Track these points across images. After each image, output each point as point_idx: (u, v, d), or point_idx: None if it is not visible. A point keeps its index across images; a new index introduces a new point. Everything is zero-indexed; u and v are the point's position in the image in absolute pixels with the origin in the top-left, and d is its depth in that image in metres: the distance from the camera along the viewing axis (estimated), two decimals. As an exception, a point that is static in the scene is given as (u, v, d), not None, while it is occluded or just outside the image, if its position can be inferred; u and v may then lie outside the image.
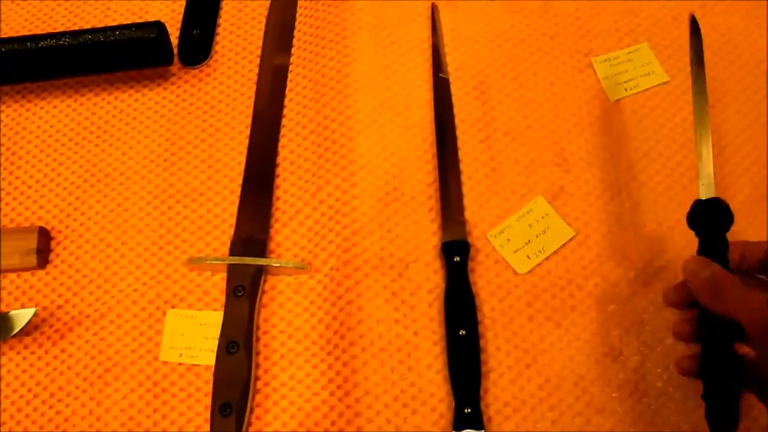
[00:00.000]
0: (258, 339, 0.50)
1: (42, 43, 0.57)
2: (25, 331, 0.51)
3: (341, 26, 0.61)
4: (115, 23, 0.64)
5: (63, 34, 0.57)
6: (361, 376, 0.48)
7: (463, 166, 0.55)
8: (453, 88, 0.58)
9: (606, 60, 0.60)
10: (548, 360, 0.49)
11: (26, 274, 0.54)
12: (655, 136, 0.56)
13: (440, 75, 0.58)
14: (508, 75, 0.59)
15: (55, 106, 0.61)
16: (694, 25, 0.46)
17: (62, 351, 0.51)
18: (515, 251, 0.52)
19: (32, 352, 0.51)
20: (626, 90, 0.58)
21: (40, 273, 0.54)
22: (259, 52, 0.62)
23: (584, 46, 0.61)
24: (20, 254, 0.53)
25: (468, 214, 0.53)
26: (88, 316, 0.52)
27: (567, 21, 0.62)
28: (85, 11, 0.65)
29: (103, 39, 0.57)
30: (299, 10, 0.63)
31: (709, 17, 0.61)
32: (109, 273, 0.53)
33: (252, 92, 0.60)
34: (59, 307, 0.53)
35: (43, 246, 0.54)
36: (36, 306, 0.52)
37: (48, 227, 0.55)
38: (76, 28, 0.64)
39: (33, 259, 0.53)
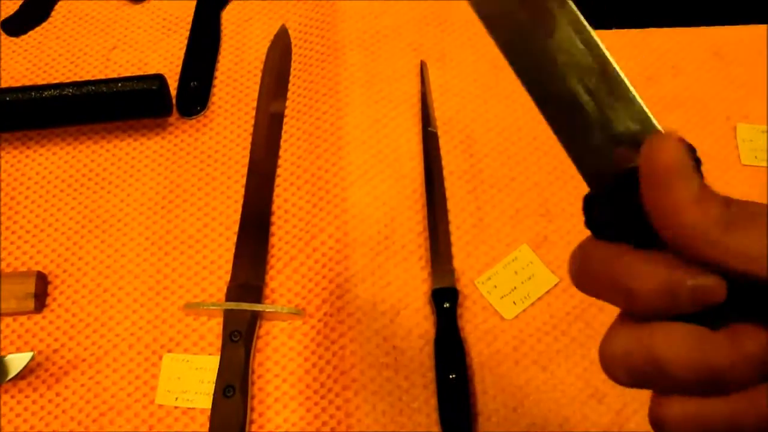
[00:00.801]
0: (253, 383, 0.51)
1: (46, 93, 0.59)
2: (21, 374, 0.51)
3: (334, 81, 0.64)
4: (114, 74, 0.66)
5: (67, 84, 0.59)
6: (354, 419, 0.50)
7: (451, 216, 0.57)
8: (441, 141, 0.61)
9: (585, 116, 0.63)
10: (534, 403, 0.51)
11: (23, 318, 0.55)
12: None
13: (429, 129, 0.61)
14: (494, 129, 0.62)
15: (54, 153, 0.62)
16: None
17: (57, 395, 0.52)
18: (502, 297, 0.54)
19: (27, 396, 0.52)
20: (604, 144, 0.62)
21: (37, 317, 0.55)
22: (254, 103, 0.64)
23: (564, 102, 0.64)
24: (17, 298, 0.54)
25: (456, 262, 0.55)
26: (84, 360, 0.53)
27: (548, 78, 0.65)
28: (85, 62, 0.68)
29: (106, 90, 0.59)
30: (294, 65, 0.66)
31: (681, 78, 0.65)
32: (105, 317, 0.55)
33: (248, 142, 0.62)
34: (55, 351, 0.53)
35: (41, 290, 0.55)
36: (32, 350, 0.53)
37: (45, 272, 0.56)
38: (77, 77, 0.66)
39: (30, 303, 0.54)
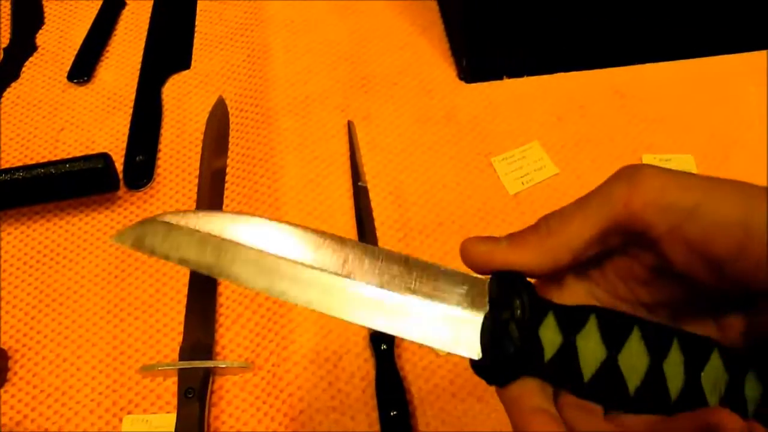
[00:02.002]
0: (209, 436, 0.55)
1: (-3, 178, 0.62)
2: (-14, 449, 0.54)
3: (270, 145, 0.69)
4: (64, 153, 0.71)
5: (18, 169, 0.63)
6: (305, 462, 0.53)
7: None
8: (371, 194, 0.66)
9: (504, 158, 0.69)
10: None
11: (-14, 394, 0.58)
12: (551, 222, 0.65)
13: (359, 183, 0.66)
14: (420, 179, 0.67)
15: (9, 234, 0.66)
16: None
17: (23, 465, 0.54)
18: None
19: (-6, 469, 0.54)
20: (523, 183, 0.67)
21: (-1, 392, 0.58)
22: (197, 172, 0.69)
23: (484, 148, 0.69)
24: (-20, 376, 0.57)
25: (391, 306, 0.60)
26: (47, 430, 0.56)
27: (468, 127, 0.71)
28: (36, 144, 0.72)
29: (54, 171, 0.63)
30: (232, 132, 0.71)
31: (588, 117, 0.71)
32: (66, 386, 0.57)
33: (193, 209, 0.66)
34: (18, 423, 0.56)
35: (2, 366, 0.58)
36: (-4, 425, 0.56)
37: (6, 347, 0.59)
38: (28, 159, 0.70)
39: (-8, 380, 0.57)
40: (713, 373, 0.29)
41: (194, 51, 0.79)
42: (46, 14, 0.84)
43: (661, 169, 0.28)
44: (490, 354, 0.29)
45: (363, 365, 0.57)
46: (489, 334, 0.29)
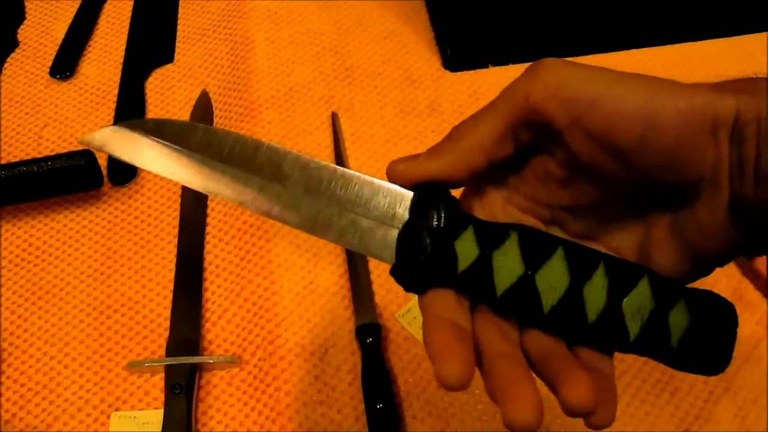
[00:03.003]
0: (198, 431, 0.55)
1: (-21, 177, 0.62)
2: (-25, 448, 0.54)
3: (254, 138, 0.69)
4: (47, 150, 0.70)
5: (1, 167, 0.63)
6: (293, 456, 0.54)
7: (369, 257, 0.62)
8: (357, 186, 0.66)
9: (489, 148, 0.69)
10: (460, 422, 0.55)
11: (-27, 394, 0.58)
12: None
13: (344, 176, 0.66)
14: (405, 170, 0.67)
15: (-6, 232, 0.66)
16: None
17: (12, 464, 0.55)
18: (422, 327, 0.59)
19: (-17, 468, 0.55)
20: (509, 173, 0.67)
21: (-13, 391, 0.58)
22: (182, 166, 0.68)
23: (470, 137, 0.69)
24: (-33, 375, 0.57)
25: (377, 299, 0.60)
26: (35, 428, 0.56)
27: (453, 116, 0.71)
28: (19, 141, 0.71)
29: (37, 169, 0.62)
30: (216, 126, 0.71)
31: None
32: (53, 384, 0.57)
33: (177, 204, 0.66)
34: (6, 422, 0.56)
35: (-11, 365, 0.58)
36: (-16, 424, 0.56)
37: (-7, 347, 0.59)
38: (12, 157, 0.70)
39: (-20, 379, 0.57)
40: (638, 300, 0.29)
41: (177, 44, 0.79)
42: (27, 9, 0.83)
43: (564, 61, 0.28)
44: (402, 261, 0.31)
45: (349, 358, 0.57)
46: (402, 242, 0.31)
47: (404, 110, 0.71)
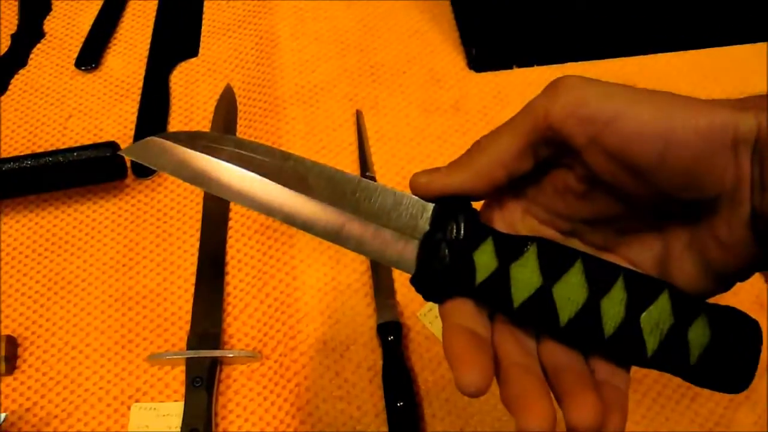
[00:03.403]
0: (217, 425, 0.55)
1: (6, 166, 0.62)
2: (-5, 435, 0.55)
3: (277, 134, 0.69)
4: (72, 141, 0.71)
5: (26, 157, 0.63)
6: (312, 452, 0.54)
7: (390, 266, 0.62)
8: (380, 184, 0.66)
9: (513, 149, 0.68)
10: (479, 422, 0.55)
11: (-5, 381, 0.58)
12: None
13: (367, 174, 0.66)
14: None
15: (18, 221, 0.66)
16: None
17: (32, 452, 0.55)
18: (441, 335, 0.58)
19: (3, 455, 0.55)
20: (532, 175, 0.67)
21: (8, 379, 0.58)
22: (205, 160, 0.69)
23: (493, 138, 0.69)
24: (-12, 363, 0.57)
25: (398, 297, 0.60)
26: (56, 417, 0.56)
27: (476, 117, 0.70)
28: (44, 131, 0.72)
29: (62, 160, 0.63)
30: (239, 121, 0.71)
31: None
32: (74, 374, 0.58)
33: (200, 197, 0.66)
34: (28, 410, 0.57)
35: (11, 353, 0.58)
36: (4, 411, 0.56)
37: (15, 335, 0.59)
38: (36, 147, 0.70)
39: (1, 366, 0.57)
40: (657, 315, 0.29)
41: (202, 38, 0.79)
42: (53, 1, 0.83)
43: (584, 79, 0.29)
44: (422, 270, 0.31)
45: (370, 355, 0.57)
46: (422, 253, 0.31)
47: (428, 109, 0.71)
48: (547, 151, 0.30)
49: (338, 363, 0.57)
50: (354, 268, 0.61)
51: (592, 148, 0.28)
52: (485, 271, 0.30)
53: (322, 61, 0.74)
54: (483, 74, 0.74)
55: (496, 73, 0.74)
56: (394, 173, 0.67)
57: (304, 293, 0.60)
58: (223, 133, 0.68)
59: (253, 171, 0.33)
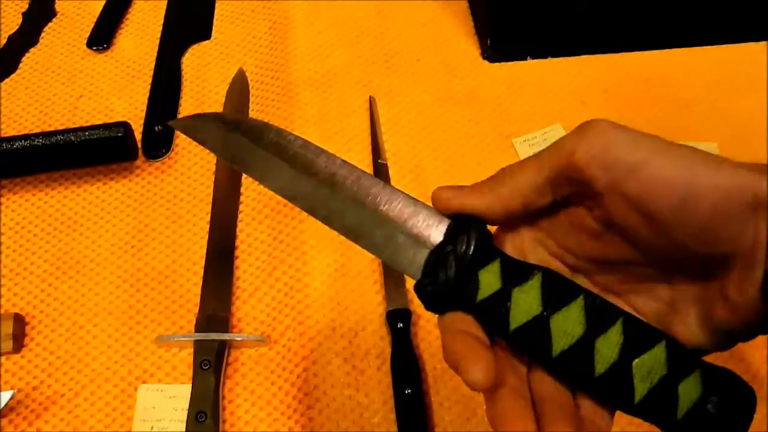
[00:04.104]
0: (224, 408, 0.55)
1: (17, 144, 0.62)
2: (2, 413, 0.54)
3: (290, 119, 0.69)
4: (82, 121, 0.70)
5: (37, 135, 0.63)
6: (319, 437, 0.54)
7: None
8: (391, 171, 0.65)
9: (525, 140, 0.68)
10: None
11: (2, 359, 0.57)
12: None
13: (379, 161, 0.65)
14: (440, 158, 0.67)
15: (27, 200, 0.66)
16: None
17: (38, 430, 0.54)
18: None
19: (9, 433, 0.55)
20: (544, 166, 0.66)
21: (16, 357, 0.58)
22: (216, 143, 0.68)
23: (506, 128, 0.69)
24: (-4, 340, 0.57)
25: (408, 284, 0.59)
26: (62, 395, 0.56)
27: (490, 107, 0.70)
28: (54, 111, 0.71)
29: (74, 139, 0.63)
30: (251, 106, 0.71)
31: (612, 101, 0.71)
32: (82, 353, 0.58)
33: (211, 181, 0.66)
34: (35, 388, 0.56)
35: (19, 331, 0.58)
36: (12, 388, 0.56)
37: (23, 313, 0.59)
38: (46, 126, 0.70)
39: (9, 344, 0.57)
40: (650, 363, 0.29)
41: (215, 21, 0.78)
42: (65, -20, 0.83)
43: (613, 124, 0.29)
44: (426, 279, 0.32)
45: (379, 342, 0.57)
46: (430, 262, 0.32)
47: (441, 98, 0.70)
48: (567, 189, 0.31)
49: (347, 349, 0.57)
50: (364, 255, 0.60)
51: (612, 192, 0.29)
52: (488, 290, 0.31)
53: (336, 47, 0.74)
54: (497, 65, 0.73)
55: (511, 63, 0.73)
56: (406, 161, 0.66)
57: (313, 278, 0.60)
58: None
59: (287, 162, 0.35)
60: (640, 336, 0.30)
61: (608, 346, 0.29)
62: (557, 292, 0.31)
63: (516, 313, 0.30)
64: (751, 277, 0.27)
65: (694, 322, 0.30)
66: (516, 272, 0.31)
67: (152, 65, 0.74)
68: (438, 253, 0.32)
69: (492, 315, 0.31)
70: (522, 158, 0.64)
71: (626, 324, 0.30)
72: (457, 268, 0.31)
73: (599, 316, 0.30)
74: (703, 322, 0.30)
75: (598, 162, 0.29)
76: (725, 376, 0.30)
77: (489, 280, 0.31)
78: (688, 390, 0.29)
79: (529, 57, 0.74)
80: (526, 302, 0.30)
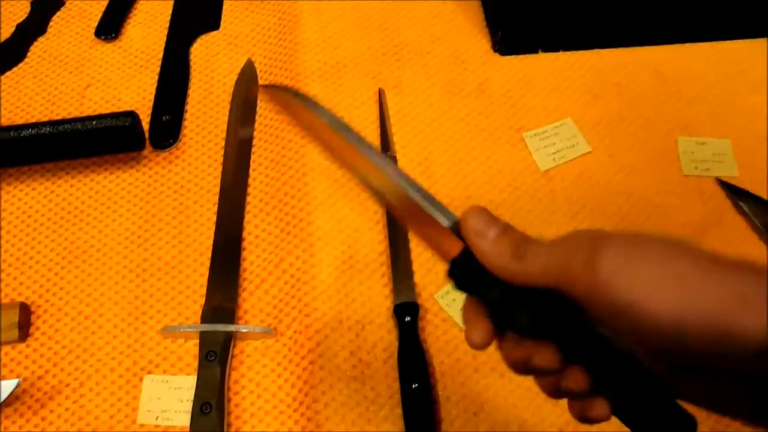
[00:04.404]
0: (229, 399, 0.54)
1: (24, 132, 0.62)
2: (7, 402, 0.54)
3: (298, 111, 0.68)
4: (89, 110, 0.70)
5: (44, 123, 0.62)
6: (325, 430, 0.53)
7: (410, 235, 0.61)
8: (400, 164, 0.65)
9: (536, 134, 0.67)
10: (493, 407, 0.54)
11: (7, 348, 0.57)
12: (581, 200, 0.63)
13: (388, 153, 0.65)
14: (449, 151, 0.66)
15: (34, 189, 0.65)
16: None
17: (43, 419, 0.54)
18: (460, 310, 0.58)
19: (14, 422, 0.54)
20: (554, 160, 0.66)
21: (21, 346, 0.57)
22: (224, 134, 0.68)
23: (516, 122, 0.68)
24: (2, 329, 0.57)
25: (416, 278, 0.59)
26: (68, 385, 0.56)
27: (500, 100, 0.69)
28: (62, 100, 0.71)
29: (81, 128, 0.62)
30: (260, 96, 0.70)
31: (624, 95, 0.70)
32: (87, 344, 0.57)
33: (218, 171, 0.66)
34: (40, 377, 0.56)
35: (24, 320, 0.58)
36: (17, 377, 0.56)
37: (29, 302, 0.59)
38: (54, 115, 0.70)
39: (15, 333, 0.57)
40: None
41: (224, 12, 0.78)
42: (74, -31, 0.83)
43: (621, 254, 0.30)
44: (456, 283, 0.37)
45: (386, 336, 0.57)
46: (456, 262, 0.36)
47: (451, 91, 0.70)
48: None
49: (353, 342, 0.56)
50: (372, 248, 0.60)
51: (609, 323, 0.31)
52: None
53: (345, 39, 0.73)
54: (508, 58, 0.72)
55: (522, 57, 0.72)
56: (415, 154, 0.66)
57: (320, 270, 0.59)
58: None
59: (351, 138, 0.39)
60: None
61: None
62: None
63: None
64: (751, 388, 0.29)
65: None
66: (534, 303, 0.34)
67: (160, 55, 0.74)
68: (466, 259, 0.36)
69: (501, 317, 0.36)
70: (532, 152, 0.65)
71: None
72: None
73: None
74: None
75: (594, 295, 0.30)
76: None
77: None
78: None
79: (540, 50, 0.73)
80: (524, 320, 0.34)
